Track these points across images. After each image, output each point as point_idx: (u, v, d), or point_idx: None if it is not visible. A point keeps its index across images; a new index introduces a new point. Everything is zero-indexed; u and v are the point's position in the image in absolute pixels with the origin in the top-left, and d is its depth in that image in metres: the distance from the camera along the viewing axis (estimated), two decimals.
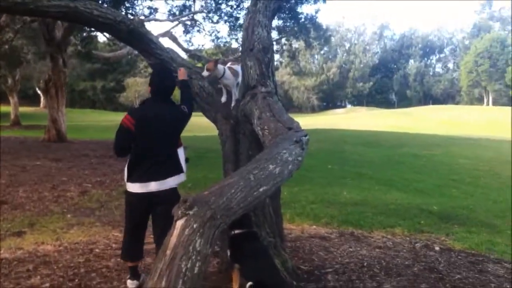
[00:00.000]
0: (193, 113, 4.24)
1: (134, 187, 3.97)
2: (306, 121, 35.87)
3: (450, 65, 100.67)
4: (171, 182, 3.98)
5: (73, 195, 8.93)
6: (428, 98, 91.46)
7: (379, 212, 7.91)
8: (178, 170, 4.06)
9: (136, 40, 4.54)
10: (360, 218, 7.32)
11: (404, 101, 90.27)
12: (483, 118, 50.30)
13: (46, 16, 6.11)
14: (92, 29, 16.68)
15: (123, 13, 15.81)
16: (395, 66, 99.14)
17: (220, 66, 4.61)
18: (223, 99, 4.71)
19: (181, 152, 4.13)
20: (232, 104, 4.66)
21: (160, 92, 4.09)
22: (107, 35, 18.25)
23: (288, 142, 3.30)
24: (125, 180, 4.05)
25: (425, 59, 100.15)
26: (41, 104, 50.01)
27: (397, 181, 11.68)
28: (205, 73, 4.54)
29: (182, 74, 4.37)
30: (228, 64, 4.87)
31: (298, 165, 3.19)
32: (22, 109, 39.44)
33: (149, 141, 3.93)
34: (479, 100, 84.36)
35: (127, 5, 18.22)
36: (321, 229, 6.70)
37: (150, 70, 4.85)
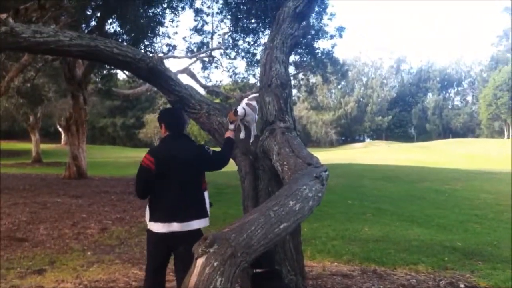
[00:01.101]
0: (211, 147, 4.20)
1: (156, 227, 3.86)
2: (325, 156, 35.83)
3: (469, 98, 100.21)
4: (195, 224, 3.86)
5: (93, 232, 8.94)
6: (447, 131, 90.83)
7: (402, 248, 7.74)
8: (204, 213, 3.96)
9: (155, 78, 4.60)
10: (383, 255, 7.17)
11: (423, 135, 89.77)
12: (504, 151, 49.50)
13: (67, 55, 6.24)
14: (112, 67, 17.00)
15: (142, 50, 16.10)
16: (413, 99, 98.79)
17: (240, 110, 4.54)
18: (242, 135, 4.69)
19: (206, 196, 4.06)
20: (251, 140, 4.65)
21: (173, 126, 4.05)
22: (127, 72, 18.54)
23: (308, 177, 3.28)
24: (147, 219, 3.98)
25: (444, 92, 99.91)
26: (62, 141, 50.94)
27: (418, 216, 11.47)
28: (231, 127, 4.49)
29: (228, 133, 4.42)
30: (245, 101, 4.84)
31: (319, 201, 3.15)
32: (43, 146, 40.08)
33: (170, 179, 3.85)
34: (500, 133, 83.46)
35: (146, 43, 18.56)
36: (342, 266, 6.58)
37: (169, 106, 4.83)
